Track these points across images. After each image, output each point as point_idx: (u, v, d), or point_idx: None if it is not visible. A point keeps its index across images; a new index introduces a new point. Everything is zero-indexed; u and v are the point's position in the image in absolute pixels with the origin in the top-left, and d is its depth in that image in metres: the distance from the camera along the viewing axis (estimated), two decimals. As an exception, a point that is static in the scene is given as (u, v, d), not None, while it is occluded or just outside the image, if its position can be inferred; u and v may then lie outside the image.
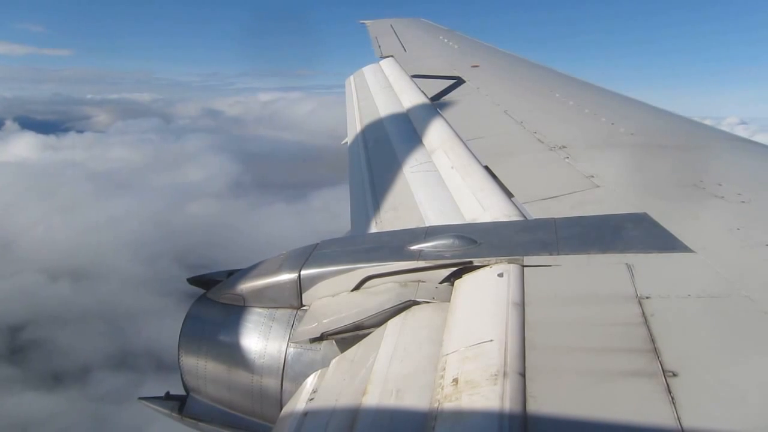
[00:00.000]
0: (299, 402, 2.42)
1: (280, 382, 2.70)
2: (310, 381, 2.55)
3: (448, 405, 1.81)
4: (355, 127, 7.19)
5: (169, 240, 52.06)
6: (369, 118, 7.13)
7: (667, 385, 1.74)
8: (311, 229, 53.32)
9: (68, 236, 52.58)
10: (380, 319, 2.55)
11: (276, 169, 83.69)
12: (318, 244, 3.14)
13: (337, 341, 2.62)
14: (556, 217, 3.05)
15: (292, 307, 2.86)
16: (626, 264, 2.46)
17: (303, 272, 2.86)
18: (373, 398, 2.06)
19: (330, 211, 59.36)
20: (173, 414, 3.00)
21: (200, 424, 2.96)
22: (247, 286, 2.95)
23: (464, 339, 2.14)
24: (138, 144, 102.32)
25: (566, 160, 4.06)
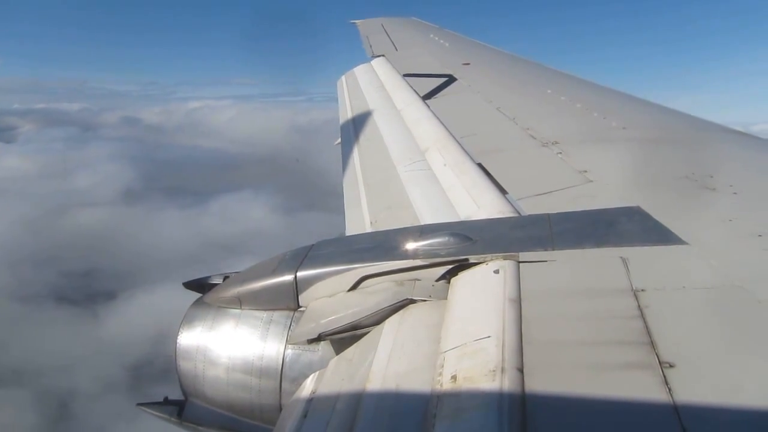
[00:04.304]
0: (299, 403, 2.42)
1: (278, 384, 2.70)
2: (309, 382, 2.55)
3: (448, 402, 1.82)
4: (347, 127, 7.18)
5: (38, 245, 50.33)
6: (361, 118, 7.13)
7: (664, 377, 1.75)
8: (197, 233, 53.21)
9: None
10: (377, 319, 2.55)
11: (179, 176, 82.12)
12: (314, 245, 3.14)
13: (334, 342, 2.62)
14: (550, 212, 3.05)
15: (288, 308, 2.86)
16: (621, 257, 2.48)
17: (299, 273, 2.86)
18: (373, 397, 2.07)
19: (224, 216, 59.15)
20: (172, 419, 2.99)
21: (200, 428, 2.95)
22: (243, 289, 2.95)
23: (462, 336, 2.15)
24: (38, 153, 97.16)
25: (559, 155, 4.07)
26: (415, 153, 5.05)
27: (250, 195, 66.08)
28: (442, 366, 2.02)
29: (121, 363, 31.90)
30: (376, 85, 8.18)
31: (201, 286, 3.21)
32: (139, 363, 31.39)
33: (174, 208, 63.05)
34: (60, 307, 39.65)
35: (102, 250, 49.19)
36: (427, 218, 3.74)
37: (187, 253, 47.78)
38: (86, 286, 43.33)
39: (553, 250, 2.62)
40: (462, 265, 2.66)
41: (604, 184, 3.47)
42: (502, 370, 1.84)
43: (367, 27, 12.07)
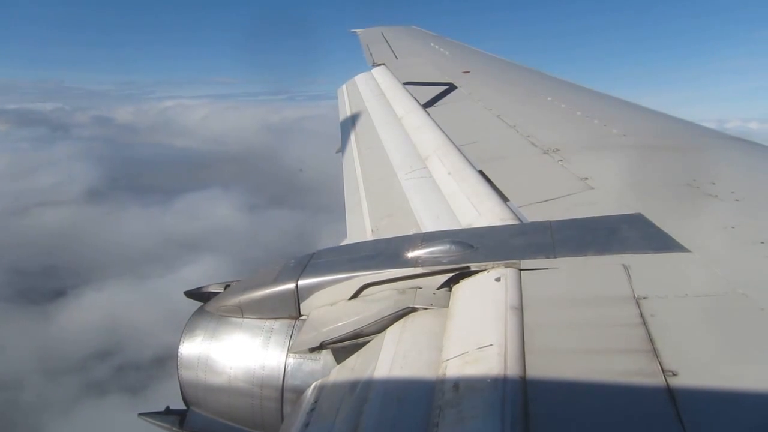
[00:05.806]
0: (300, 413, 2.41)
1: (280, 393, 2.69)
2: (311, 391, 2.54)
3: (450, 411, 1.81)
4: (348, 135, 7.20)
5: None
6: (362, 126, 7.16)
7: (667, 385, 1.75)
8: (159, 231, 52.45)
9: None
10: (379, 327, 2.55)
11: (146, 175, 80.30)
12: (315, 253, 3.14)
13: (336, 350, 2.61)
14: (551, 219, 3.05)
15: (290, 317, 2.85)
16: (623, 265, 2.47)
17: (300, 282, 2.86)
18: (375, 406, 2.06)
19: (188, 214, 58.35)
20: (174, 428, 2.98)
21: None
22: (244, 297, 2.95)
23: (464, 344, 2.14)
24: (3, 152, 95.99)
25: (560, 162, 4.08)
26: (416, 161, 5.06)
27: (217, 193, 65.31)
28: (444, 374, 2.01)
29: (63, 358, 31.49)
30: (376, 94, 8.20)
31: (202, 294, 3.21)
32: (82, 358, 31.14)
33: (138, 207, 62.16)
34: (8, 304, 38.96)
35: (60, 247, 48.71)
36: (429, 226, 3.73)
37: (146, 251, 47.49)
38: (39, 284, 42.70)
39: (555, 257, 2.62)
40: (463, 273, 2.66)
41: (605, 192, 3.47)
42: (505, 378, 1.84)
43: (368, 36, 12.13)
